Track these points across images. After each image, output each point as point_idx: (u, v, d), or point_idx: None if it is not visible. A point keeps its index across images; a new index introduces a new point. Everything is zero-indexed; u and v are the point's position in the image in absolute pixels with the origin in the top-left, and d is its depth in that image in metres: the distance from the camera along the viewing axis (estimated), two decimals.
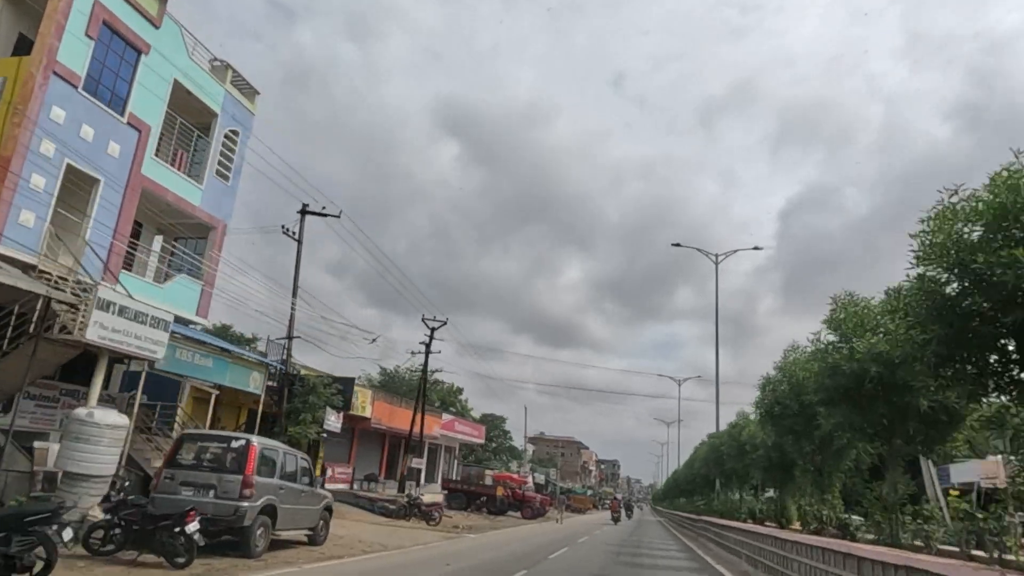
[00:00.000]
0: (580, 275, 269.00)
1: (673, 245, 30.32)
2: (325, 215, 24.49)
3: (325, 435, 24.26)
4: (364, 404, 32.51)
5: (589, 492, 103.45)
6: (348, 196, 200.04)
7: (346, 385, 24.76)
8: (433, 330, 35.63)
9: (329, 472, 33.12)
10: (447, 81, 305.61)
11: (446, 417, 43.29)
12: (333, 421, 23.67)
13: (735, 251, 29.31)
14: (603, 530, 33.52)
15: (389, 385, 53.51)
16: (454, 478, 44.46)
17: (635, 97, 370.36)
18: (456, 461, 50.65)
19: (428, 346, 35.30)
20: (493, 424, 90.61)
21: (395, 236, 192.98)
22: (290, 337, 23.31)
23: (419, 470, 28.87)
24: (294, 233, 24.08)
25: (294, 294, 23.68)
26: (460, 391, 67.01)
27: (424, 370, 35.02)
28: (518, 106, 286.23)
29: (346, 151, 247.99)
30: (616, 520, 44.11)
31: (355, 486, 33.95)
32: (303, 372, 23.73)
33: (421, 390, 34.19)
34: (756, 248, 29.31)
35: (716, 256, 29.21)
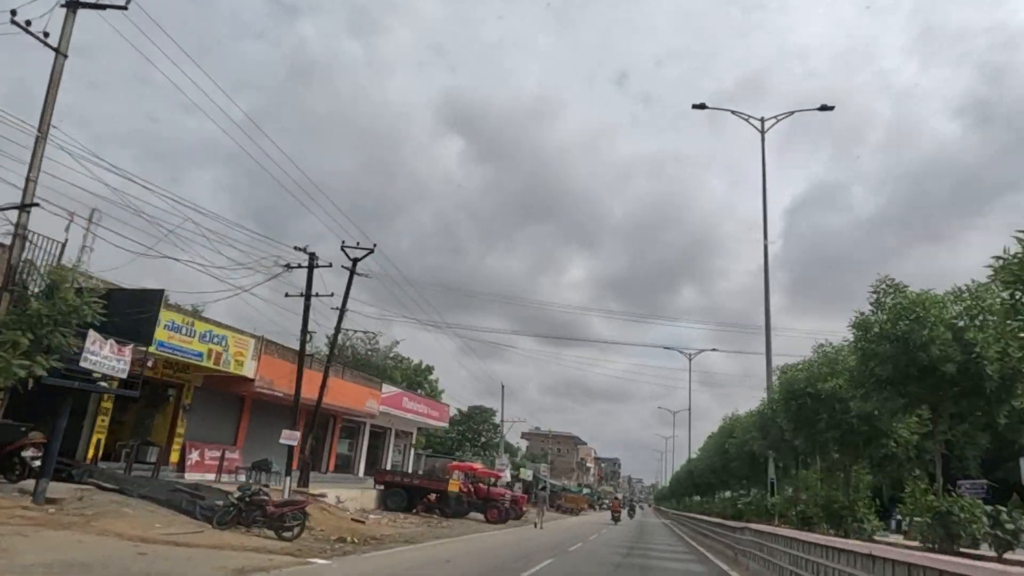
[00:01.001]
0: (585, 273, 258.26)
1: (695, 107, 20.06)
2: (104, 7, 14.40)
3: (104, 384, 14.01)
4: (241, 358, 22.40)
5: (586, 491, 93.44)
6: (351, 192, 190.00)
7: (137, 301, 14.47)
8: (355, 261, 25.53)
9: (194, 456, 23.06)
10: (451, 77, 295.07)
11: (389, 389, 33.05)
12: (106, 356, 13.43)
13: (790, 113, 19.13)
14: (590, 541, 23.33)
15: (338, 358, 43.21)
16: (391, 468, 34.22)
17: (639, 94, 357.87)
18: (411, 449, 40.42)
19: (349, 282, 25.24)
20: (482, 417, 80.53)
21: (398, 233, 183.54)
22: (25, 206, 13.20)
23: (292, 447, 18.52)
24: (47, 34, 13.96)
25: (42, 129, 13.59)
26: (430, 370, 56.80)
27: (342, 309, 24.81)
28: (522, 103, 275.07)
29: (349, 147, 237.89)
30: (617, 520, 43.56)
31: (241, 477, 23.85)
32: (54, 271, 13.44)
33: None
34: (824, 108, 19.10)
35: (762, 121, 19.05)
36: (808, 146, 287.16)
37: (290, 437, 17.84)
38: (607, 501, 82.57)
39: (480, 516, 30.33)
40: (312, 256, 18.12)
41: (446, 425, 43.36)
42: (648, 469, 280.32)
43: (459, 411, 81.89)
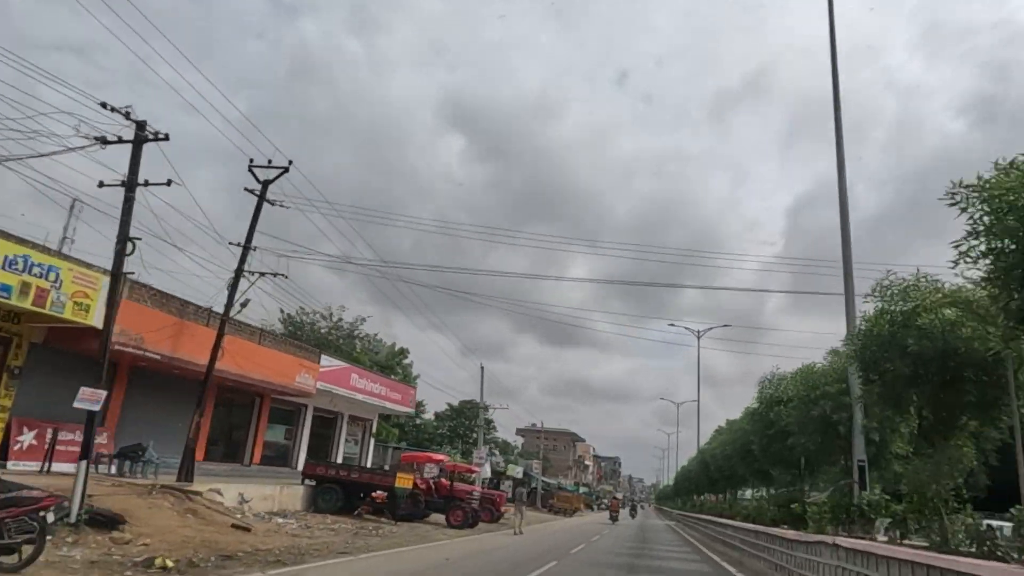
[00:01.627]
0: (587, 273, 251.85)
1: None
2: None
3: None
4: (86, 300, 16.01)
5: (584, 490, 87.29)
6: (352, 191, 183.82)
7: None
8: (265, 183, 19.43)
9: (26, 438, 16.68)
10: (452, 76, 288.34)
11: (330, 362, 26.66)
12: None
13: None
14: (571, 555, 17.02)
15: (297, 337, 36.80)
16: (343, 462, 27.88)
17: (641, 93, 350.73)
18: (371, 439, 34.06)
19: (257, 209, 19.14)
20: (473, 412, 74.48)
21: (400, 232, 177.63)
22: None
23: (95, 413, 11.96)
24: None
25: None
26: (404, 353, 50.31)
27: (246, 245, 18.61)
28: (524, 102, 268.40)
29: (350, 146, 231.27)
30: (615, 519, 42.99)
31: (103, 467, 17.51)
32: None
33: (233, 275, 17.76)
34: None
35: None
36: (810, 144, 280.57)
37: (91, 397, 11.47)
38: (606, 501, 76.43)
39: (443, 519, 24.14)
40: (142, 125, 11.77)
41: (411, 410, 36.95)
42: (649, 468, 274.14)
43: (449, 406, 75.85)
